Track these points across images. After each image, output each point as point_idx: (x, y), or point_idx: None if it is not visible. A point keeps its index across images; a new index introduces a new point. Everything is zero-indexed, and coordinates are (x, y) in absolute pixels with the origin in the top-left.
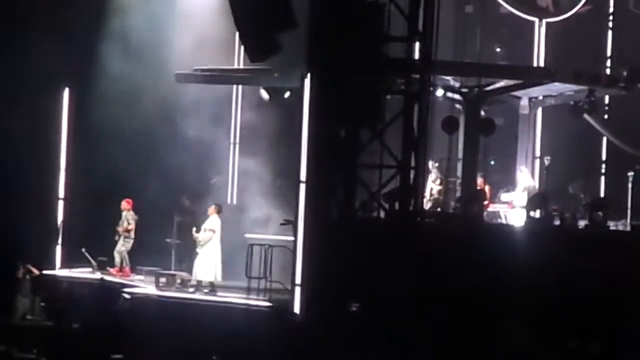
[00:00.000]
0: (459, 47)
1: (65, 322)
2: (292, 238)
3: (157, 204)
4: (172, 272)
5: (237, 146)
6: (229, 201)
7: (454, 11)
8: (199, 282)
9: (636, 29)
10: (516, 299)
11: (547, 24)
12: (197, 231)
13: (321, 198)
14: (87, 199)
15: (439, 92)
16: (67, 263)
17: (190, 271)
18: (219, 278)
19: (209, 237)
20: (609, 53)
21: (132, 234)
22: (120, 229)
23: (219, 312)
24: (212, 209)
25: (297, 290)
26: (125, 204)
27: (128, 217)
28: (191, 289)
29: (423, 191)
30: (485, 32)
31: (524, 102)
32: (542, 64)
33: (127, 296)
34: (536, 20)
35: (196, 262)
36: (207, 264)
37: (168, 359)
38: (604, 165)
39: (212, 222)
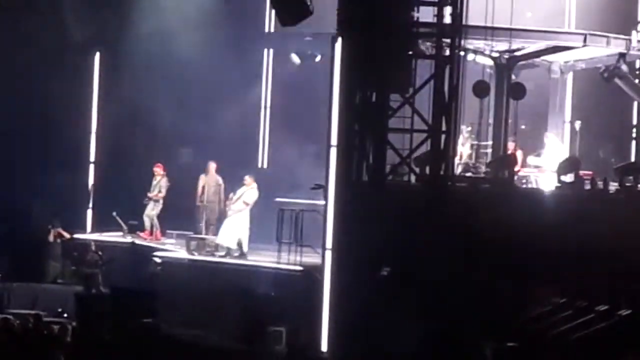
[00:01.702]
0: (489, 11)
1: (96, 285)
2: (322, 202)
3: (188, 168)
4: (203, 236)
5: (268, 110)
6: (259, 165)
7: None
8: (223, 246)
9: None
10: (546, 262)
11: None
12: (234, 195)
13: (352, 162)
14: (118, 162)
15: (470, 57)
16: (98, 227)
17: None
18: (244, 247)
19: (241, 209)
20: (639, 17)
21: (162, 200)
22: (152, 194)
23: (249, 276)
24: (250, 179)
25: (328, 254)
26: (159, 169)
27: (162, 184)
28: (222, 253)
29: (454, 156)
30: None
31: (555, 66)
32: (573, 29)
33: (158, 260)
34: None
35: (223, 227)
36: (233, 231)
37: (198, 323)
38: (634, 130)
39: (250, 195)
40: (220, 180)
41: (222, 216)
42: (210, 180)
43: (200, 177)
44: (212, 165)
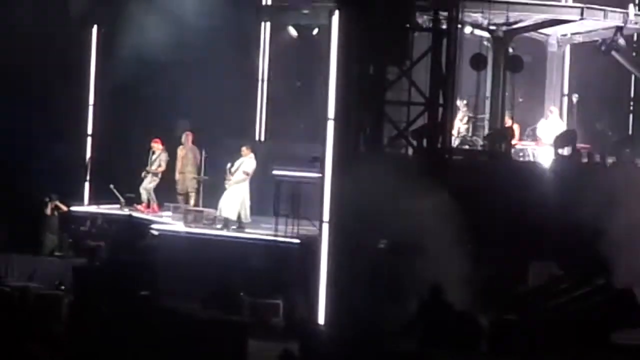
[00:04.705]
0: None
1: (93, 258)
2: (320, 175)
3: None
4: (200, 208)
5: (265, 83)
6: (257, 138)
7: None
8: (225, 218)
9: None
10: (543, 236)
11: None
12: (232, 167)
13: (349, 135)
14: (115, 135)
15: (467, 29)
16: (95, 199)
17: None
18: (248, 218)
19: (242, 179)
20: None
21: (160, 173)
22: (152, 169)
23: (246, 248)
24: (246, 150)
25: (325, 226)
26: (157, 145)
27: (162, 158)
28: (219, 226)
29: (451, 128)
30: None
31: (553, 39)
32: (570, 2)
33: (155, 232)
34: None
35: (222, 198)
36: (234, 202)
37: (195, 296)
38: (631, 103)
39: (249, 164)
40: (196, 150)
41: (200, 186)
42: (187, 151)
43: (178, 149)
44: (189, 136)
